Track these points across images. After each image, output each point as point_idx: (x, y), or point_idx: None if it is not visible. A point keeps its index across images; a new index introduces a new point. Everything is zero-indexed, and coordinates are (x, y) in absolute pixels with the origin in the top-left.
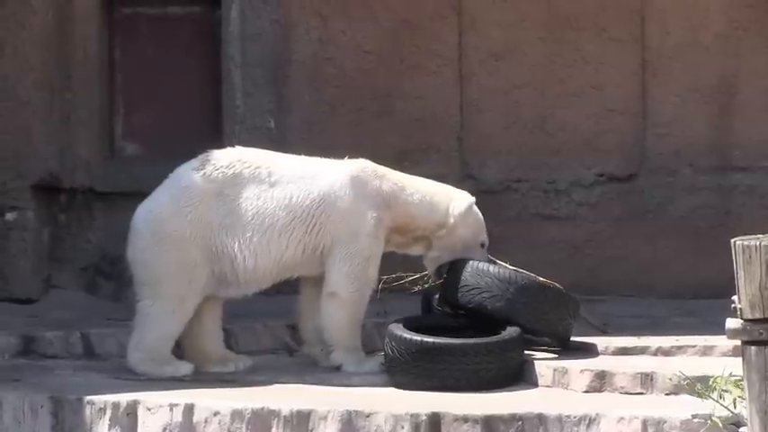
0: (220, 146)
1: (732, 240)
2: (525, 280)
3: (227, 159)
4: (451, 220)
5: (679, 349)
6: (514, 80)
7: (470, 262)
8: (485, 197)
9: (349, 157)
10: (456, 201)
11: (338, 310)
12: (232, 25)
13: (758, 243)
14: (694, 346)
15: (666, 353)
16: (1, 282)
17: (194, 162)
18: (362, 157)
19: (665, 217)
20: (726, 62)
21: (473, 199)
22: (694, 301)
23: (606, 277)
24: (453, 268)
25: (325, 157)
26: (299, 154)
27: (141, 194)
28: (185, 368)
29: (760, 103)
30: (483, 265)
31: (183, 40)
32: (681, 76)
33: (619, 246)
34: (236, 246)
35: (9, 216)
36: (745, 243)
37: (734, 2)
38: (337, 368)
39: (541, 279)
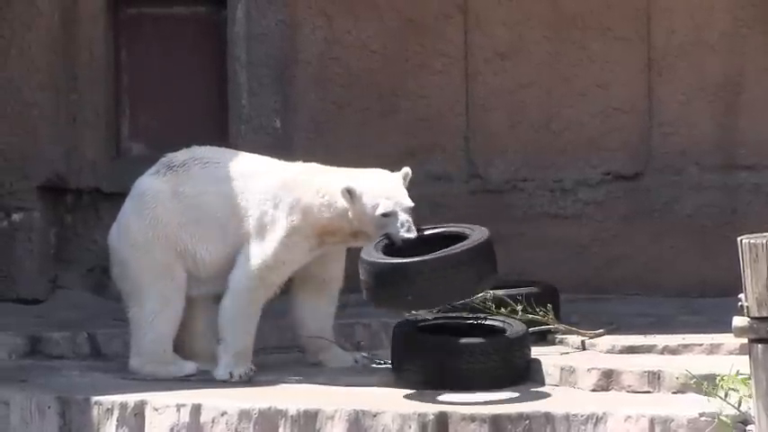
0: (225, 145)
1: (738, 239)
2: (369, 265)
3: (181, 158)
4: (349, 213)
5: (686, 348)
6: (520, 79)
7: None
8: (491, 196)
9: (303, 161)
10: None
11: (229, 305)
12: (237, 25)
13: (764, 241)
14: (701, 345)
15: (673, 351)
16: (7, 282)
17: (153, 167)
18: (368, 156)
19: (672, 215)
20: (731, 61)
21: (347, 185)
22: (701, 299)
23: (613, 276)
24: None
25: (331, 157)
26: (305, 153)
27: None
28: (189, 367)
29: (765, 102)
30: (362, 253)
31: (189, 40)
32: (686, 75)
33: (625, 244)
34: (193, 242)
35: (15, 217)
36: (752, 241)
37: (739, 1)
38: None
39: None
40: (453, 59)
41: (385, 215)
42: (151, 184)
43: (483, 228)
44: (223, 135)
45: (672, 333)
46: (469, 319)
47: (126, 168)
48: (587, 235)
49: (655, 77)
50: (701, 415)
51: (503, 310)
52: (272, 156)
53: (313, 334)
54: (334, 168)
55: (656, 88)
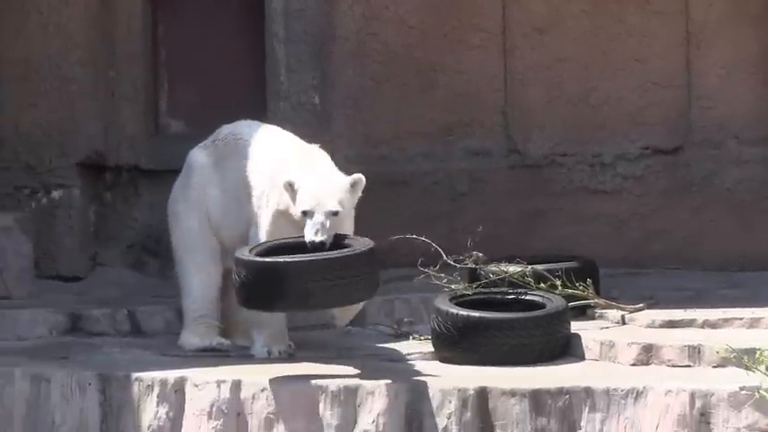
0: (263, 121)
1: None
2: (241, 263)
3: (225, 132)
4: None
5: (726, 322)
6: (558, 54)
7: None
8: (530, 171)
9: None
10: None
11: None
12: (276, 1)
13: None
14: (741, 319)
15: (713, 325)
16: (48, 260)
17: (205, 140)
18: (407, 132)
19: (711, 189)
20: None
21: (287, 178)
22: (741, 273)
23: (652, 250)
24: None
25: (369, 133)
26: (344, 130)
27: None
28: (217, 341)
29: None
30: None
31: (227, 15)
32: (725, 48)
33: (664, 218)
34: (218, 215)
35: (55, 194)
36: None
37: None
38: None
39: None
40: (491, 34)
41: (304, 213)
42: (196, 156)
43: (367, 240)
44: (261, 111)
45: (712, 307)
46: (509, 294)
47: (164, 145)
48: (626, 209)
49: (693, 51)
50: (742, 389)
51: (542, 285)
52: (310, 132)
53: None
54: (318, 157)
55: (695, 62)
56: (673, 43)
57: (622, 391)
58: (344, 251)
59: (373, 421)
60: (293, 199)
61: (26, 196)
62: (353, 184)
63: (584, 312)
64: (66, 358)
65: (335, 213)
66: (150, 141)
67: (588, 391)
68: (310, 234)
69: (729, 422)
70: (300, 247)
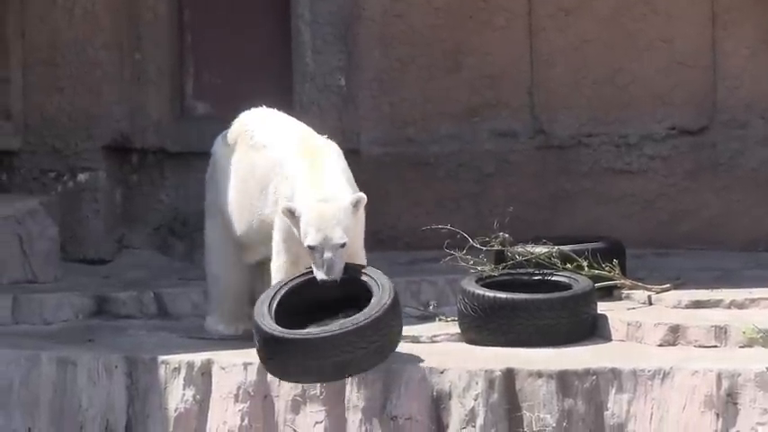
0: (289, 103)
1: None
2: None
3: (240, 122)
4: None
5: (752, 302)
6: (584, 35)
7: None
8: (556, 152)
9: (327, 136)
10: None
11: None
12: None
13: None
14: None
15: (740, 306)
16: (74, 243)
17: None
18: (433, 113)
19: (737, 169)
20: None
21: (285, 205)
22: (767, 253)
23: (678, 230)
24: None
25: (396, 114)
26: (370, 111)
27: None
28: (233, 328)
29: None
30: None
31: None
32: (750, 28)
33: (691, 199)
34: (229, 209)
35: (81, 177)
36: None
37: None
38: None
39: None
40: (517, 15)
41: (311, 248)
42: (215, 146)
43: (388, 285)
44: (287, 93)
45: (738, 287)
46: (536, 275)
47: (190, 127)
48: (653, 190)
49: (719, 31)
50: None
51: (569, 265)
52: (336, 115)
53: None
54: (323, 158)
55: (721, 42)
56: (698, 23)
57: (649, 371)
58: (372, 313)
59: (400, 403)
60: (295, 226)
61: (52, 180)
62: (355, 205)
63: (610, 293)
64: (93, 341)
65: (343, 245)
66: (176, 124)
67: (615, 372)
68: (321, 273)
69: (756, 402)
70: (314, 284)
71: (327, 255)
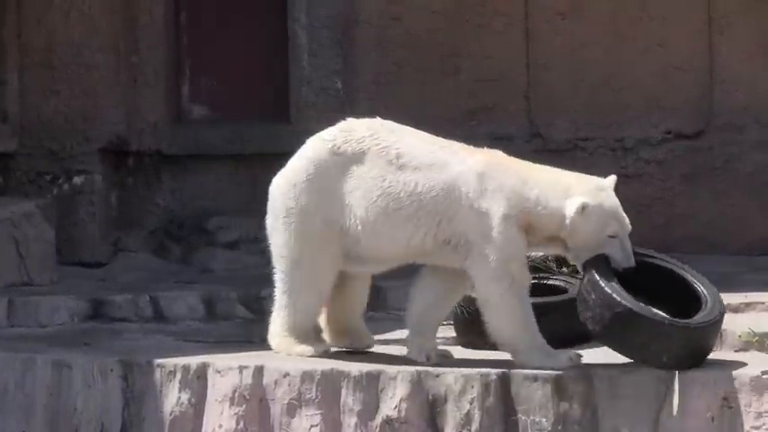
0: (286, 107)
1: None
2: (620, 308)
3: (358, 133)
4: (567, 222)
5: (748, 306)
6: (580, 38)
7: (593, 270)
8: (552, 156)
9: (486, 147)
10: (570, 200)
11: (494, 316)
12: None
13: None
14: (763, 303)
15: (735, 310)
16: (70, 245)
17: (328, 132)
18: (430, 117)
19: (733, 173)
20: None
21: (585, 200)
22: (763, 257)
23: (674, 234)
24: (585, 271)
25: (392, 118)
26: (367, 114)
27: (208, 157)
28: (321, 347)
29: None
30: (596, 278)
31: (249, 1)
32: (747, 32)
33: (687, 203)
34: (359, 226)
35: (77, 180)
36: None
37: None
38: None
39: (642, 306)
40: (513, 19)
41: (612, 236)
42: (324, 152)
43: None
44: (284, 96)
45: (734, 291)
46: (531, 279)
47: (187, 130)
48: (649, 194)
49: (715, 35)
50: (764, 373)
51: (564, 269)
52: (333, 118)
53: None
54: (527, 162)
55: (717, 46)
56: (695, 27)
57: (645, 375)
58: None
59: (395, 407)
60: (585, 221)
61: (48, 182)
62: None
63: None
64: (89, 344)
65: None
66: (172, 127)
67: (610, 376)
68: (625, 261)
69: (752, 407)
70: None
71: (627, 242)
